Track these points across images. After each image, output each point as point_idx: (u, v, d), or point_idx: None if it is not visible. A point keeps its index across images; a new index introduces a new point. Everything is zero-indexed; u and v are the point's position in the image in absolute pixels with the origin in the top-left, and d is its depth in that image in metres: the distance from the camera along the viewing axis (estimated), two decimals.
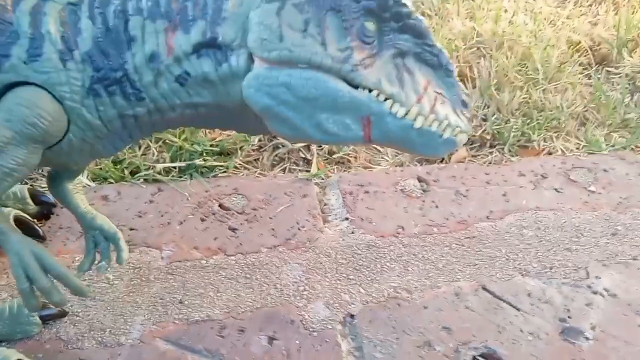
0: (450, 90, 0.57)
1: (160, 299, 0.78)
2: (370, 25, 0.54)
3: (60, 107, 0.55)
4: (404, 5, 0.54)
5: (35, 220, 0.87)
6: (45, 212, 0.90)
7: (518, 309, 0.78)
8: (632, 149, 1.17)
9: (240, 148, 1.09)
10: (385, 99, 0.55)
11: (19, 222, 0.82)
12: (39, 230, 0.85)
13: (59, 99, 0.55)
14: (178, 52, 0.55)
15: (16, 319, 0.70)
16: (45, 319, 0.72)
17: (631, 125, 1.21)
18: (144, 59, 0.55)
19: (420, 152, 0.59)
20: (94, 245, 0.74)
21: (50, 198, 0.90)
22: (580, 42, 1.38)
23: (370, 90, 0.54)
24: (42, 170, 0.97)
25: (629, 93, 1.30)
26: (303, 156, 1.10)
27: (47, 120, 0.54)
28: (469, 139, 1.16)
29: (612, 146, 1.16)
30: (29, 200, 0.88)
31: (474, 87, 1.26)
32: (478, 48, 1.34)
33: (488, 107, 1.22)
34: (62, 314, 0.73)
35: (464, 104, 0.58)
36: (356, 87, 0.54)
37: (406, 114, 0.55)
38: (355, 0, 0.53)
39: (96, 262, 0.74)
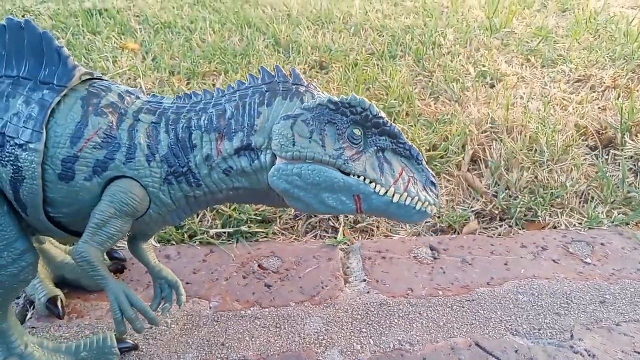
0: (421, 174, 0.80)
1: (207, 341, 0.96)
2: (357, 132, 0.77)
3: (145, 192, 0.79)
4: (381, 117, 0.78)
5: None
6: (119, 267, 1.12)
7: None
8: (635, 224, 1.28)
9: (280, 217, 1.30)
10: (370, 182, 0.77)
11: None
12: None
13: (145, 186, 0.79)
14: (225, 154, 0.79)
15: (102, 350, 0.90)
16: (122, 351, 0.92)
17: (633, 203, 1.33)
18: (202, 159, 0.79)
19: (399, 220, 0.80)
20: (160, 292, 0.95)
21: (122, 255, 1.13)
22: (586, 127, 1.53)
23: (358, 176, 0.76)
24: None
25: (633, 174, 1.42)
26: (332, 225, 1.29)
27: (136, 201, 0.78)
28: (480, 213, 1.32)
29: (613, 222, 1.28)
30: (106, 256, 1.11)
31: (486, 167, 1.42)
32: (491, 132, 1.51)
33: (498, 185, 1.37)
34: (135, 347, 0.93)
35: (433, 184, 0.81)
36: (348, 174, 0.76)
37: (386, 192, 0.77)
38: (345, 115, 0.77)
39: (162, 305, 0.95)
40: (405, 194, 0.77)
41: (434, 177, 0.81)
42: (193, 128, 0.80)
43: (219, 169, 0.79)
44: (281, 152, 0.75)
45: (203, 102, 0.83)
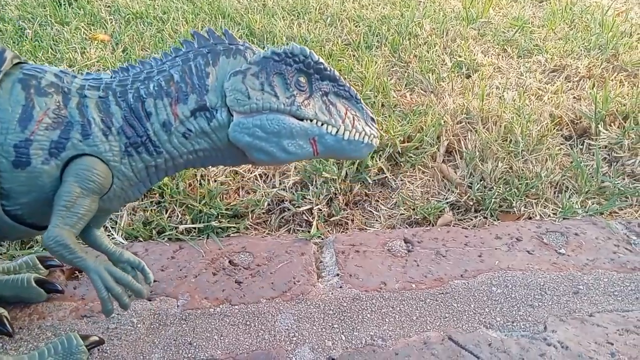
0: (361, 112, 0.86)
1: (174, 340, 0.93)
2: (303, 79, 0.82)
3: (107, 167, 0.78)
4: (321, 63, 0.82)
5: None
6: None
7: (477, 357, 0.90)
8: (609, 214, 1.28)
9: (252, 211, 1.27)
10: (322, 124, 0.82)
11: (40, 282, 1.00)
12: (58, 286, 1.01)
13: (105, 161, 0.77)
14: (181, 117, 0.79)
15: (68, 350, 0.86)
16: (89, 347, 0.89)
17: (607, 192, 1.33)
18: (159, 126, 0.79)
19: (350, 156, 0.85)
20: None
21: (57, 262, 1.06)
22: (561, 117, 1.52)
23: (311, 120, 0.81)
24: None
25: (607, 163, 1.42)
26: (306, 218, 1.26)
27: (101, 177, 0.76)
28: (455, 204, 1.30)
29: (587, 212, 1.27)
30: (40, 266, 1.05)
31: (461, 158, 1.41)
32: (466, 123, 1.49)
33: (473, 176, 1.36)
34: (101, 342, 0.90)
35: (372, 120, 0.87)
36: (302, 119, 0.81)
37: (337, 131, 0.82)
38: (289, 65, 0.80)
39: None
40: (354, 130, 0.83)
41: (372, 113, 0.88)
42: (144, 96, 0.79)
43: (177, 133, 0.79)
44: (238, 107, 0.78)
45: (145, 71, 0.82)
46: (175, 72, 0.80)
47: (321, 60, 0.82)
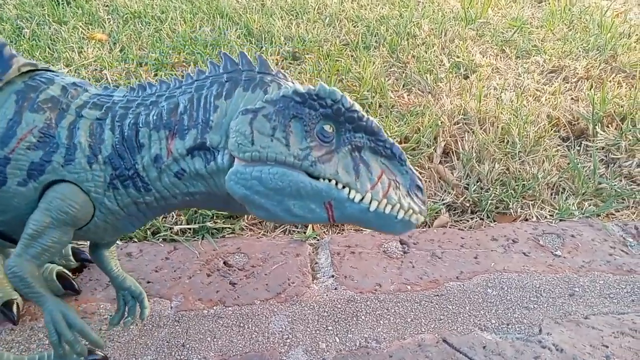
0: (404, 176, 0.70)
1: (167, 342, 0.93)
2: (328, 127, 0.67)
3: (87, 198, 0.71)
4: (356, 111, 0.68)
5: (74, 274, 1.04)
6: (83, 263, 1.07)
7: None
8: (605, 215, 1.27)
9: None
10: (343, 187, 0.66)
11: (61, 277, 0.99)
12: (76, 285, 1.01)
13: (86, 192, 0.71)
14: (175, 154, 0.70)
15: None
16: None
17: (604, 194, 1.32)
18: (150, 160, 0.71)
19: (380, 230, 0.69)
20: (124, 304, 0.90)
21: (88, 257, 1.05)
22: (558, 118, 1.52)
23: (329, 180, 0.66)
24: None
25: (604, 165, 1.42)
26: None
27: (75, 208, 0.70)
28: (451, 205, 1.30)
29: (583, 214, 1.27)
30: (72, 257, 1.05)
31: (458, 159, 1.40)
32: (464, 124, 1.49)
33: (470, 177, 1.35)
34: (105, 359, 0.86)
35: (418, 188, 0.70)
36: (317, 177, 0.66)
37: (362, 199, 0.66)
38: (314, 109, 0.66)
39: (124, 318, 0.91)
40: (384, 201, 0.67)
41: (419, 179, 0.71)
42: (140, 125, 0.71)
43: (169, 171, 0.71)
44: (238, 152, 0.66)
45: (156, 94, 0.73)
46: (182, 100, 0.71)
47: (356, 107, 0.68)
